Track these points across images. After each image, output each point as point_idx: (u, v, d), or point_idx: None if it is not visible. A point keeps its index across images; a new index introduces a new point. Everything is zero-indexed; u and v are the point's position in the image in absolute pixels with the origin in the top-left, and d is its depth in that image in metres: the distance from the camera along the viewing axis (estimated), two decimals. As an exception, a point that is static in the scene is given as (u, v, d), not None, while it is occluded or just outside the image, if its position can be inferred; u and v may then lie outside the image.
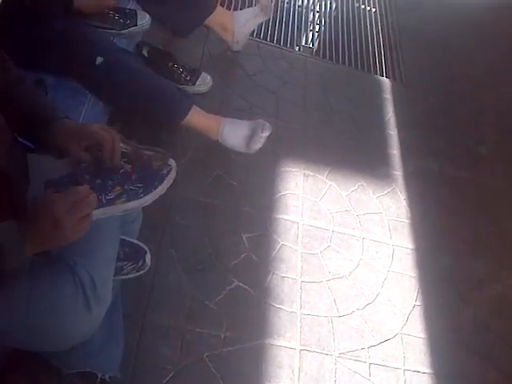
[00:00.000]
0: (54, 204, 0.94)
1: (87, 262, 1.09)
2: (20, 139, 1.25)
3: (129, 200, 1.10)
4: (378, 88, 2.60)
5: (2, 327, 1.01)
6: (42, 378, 1.17)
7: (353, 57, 2.70)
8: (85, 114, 1.62)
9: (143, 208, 1.50)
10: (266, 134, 1.85)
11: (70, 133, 1.12)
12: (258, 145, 1.86)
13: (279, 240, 1.85)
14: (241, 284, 1.69)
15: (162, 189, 1.15)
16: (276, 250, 1.82)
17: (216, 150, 1.92)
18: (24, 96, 1.16)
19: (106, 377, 1.25)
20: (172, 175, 1.16)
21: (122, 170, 1.12)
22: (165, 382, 1.43)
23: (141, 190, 1.12)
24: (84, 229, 0.99)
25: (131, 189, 1.10)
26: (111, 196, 1.09)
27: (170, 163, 1.17)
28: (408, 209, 2.12)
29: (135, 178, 1.12)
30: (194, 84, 2.14)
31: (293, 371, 1.57)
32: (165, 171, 1.16)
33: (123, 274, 1.37)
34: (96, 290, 1.07)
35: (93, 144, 1.11)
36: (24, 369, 1.16)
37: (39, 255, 1.04)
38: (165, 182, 1.15)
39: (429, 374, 1.71)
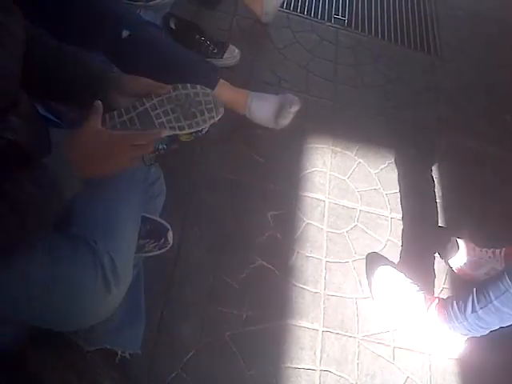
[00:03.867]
0: (121, 136, 1.05)
1: (108, 241, 1.08)
2: (45, 113, 1.25)
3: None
4: (411, 62, 2.50)
5: (22, 306, 1.01)
6: (62, 353, 1.17)
7: (386, 29, 2.60)
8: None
9: (167, 184, 1.50)
10: (295, 108, 1.81)
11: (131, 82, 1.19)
12: (286, 120, 1.82)
13: (304, 218, 1.81)
14: (264, 263, 1.67)
15: None
16: (301, 229, 1.78)
17: (243, 125, 1.87)
18: (65, 61, 1.16)
19: (127, 354, 1.26)
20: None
21: None
22: (186, 360, 1.43)
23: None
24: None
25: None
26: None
27: None
28: (439, 188, 2.05)
29: None
30: (221, 57, 2.09)
31: (315, 353, 1.55)
32: None
33: (145, 252, 1.36)
34: (116, 270, 1.06)
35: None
36: (45, 344, 1.17)
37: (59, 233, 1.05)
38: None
39: (455, 359, 1.66)
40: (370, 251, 1.80)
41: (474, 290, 1.45)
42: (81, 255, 1.04)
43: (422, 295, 1.61)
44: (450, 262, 1.83)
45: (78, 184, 0.99)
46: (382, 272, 1.68)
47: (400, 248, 1.84)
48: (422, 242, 1.88)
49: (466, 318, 1.47)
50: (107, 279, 1.04)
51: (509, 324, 1.44)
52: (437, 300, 1.57)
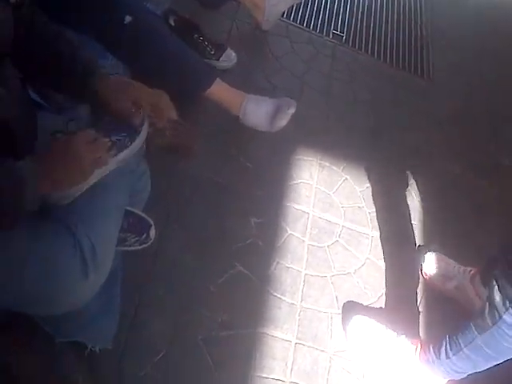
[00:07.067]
0: (76, 137, 1.00)
1: (89, 226, 1.06)
2: (32, 94, 1.21)
3: (119, 151, 1.10)
4: (404, 84, 2.53)
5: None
6: (32, 342, 1.14)
7: (382, 49, 2.63)
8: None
9: (152, 179, 1.47)
10: (292, 110, 1.79)
11: (119, 87, 1.13)
12: (283, 121, 1.79)
13: (287, 229, 1.80)
14: (243, 269, 1.65)
15: (143, 135, 1.15)
16: (283, 239, 1.77)
17: (235, 128, 1.86)
18: (64, 50, 1.12)
19: (97, 348, 1.23)
20: (145, 126, 1.17)
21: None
22: (156, 359, 1.40)
23: (127, 139, 1.12)
24: (97, 168, 1.05)
25: (118, 139, 1.11)
26: None
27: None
28: (421, 211, 2.07)
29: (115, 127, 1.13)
30: (218, 59, 2.08)
31: (286, 364, 1.54)
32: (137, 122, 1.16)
33: (125, 246, 1.33)
34: (95, 256, 1.04)
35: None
36: (15, 331, 1.13)
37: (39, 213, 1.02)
38: (142, 132, 1.15)
39: None
40: (349, 270, 1.80)
41: (447, 336, 1.45)
42: (60, 236, 1.03)
43: (404, 339, 1.59)
44: (423, 268, 1.86)
45: (38, 198, 0.96)
46: (358, 322, 1.64)
47: (378, 266, 1.85)
48: (399, 263, 1.89)
49: (442, 364, 1.47)
50: (85, 262, 1.03)
51: (483, 369, 1.43)
52: (419, 344, 1.57)
